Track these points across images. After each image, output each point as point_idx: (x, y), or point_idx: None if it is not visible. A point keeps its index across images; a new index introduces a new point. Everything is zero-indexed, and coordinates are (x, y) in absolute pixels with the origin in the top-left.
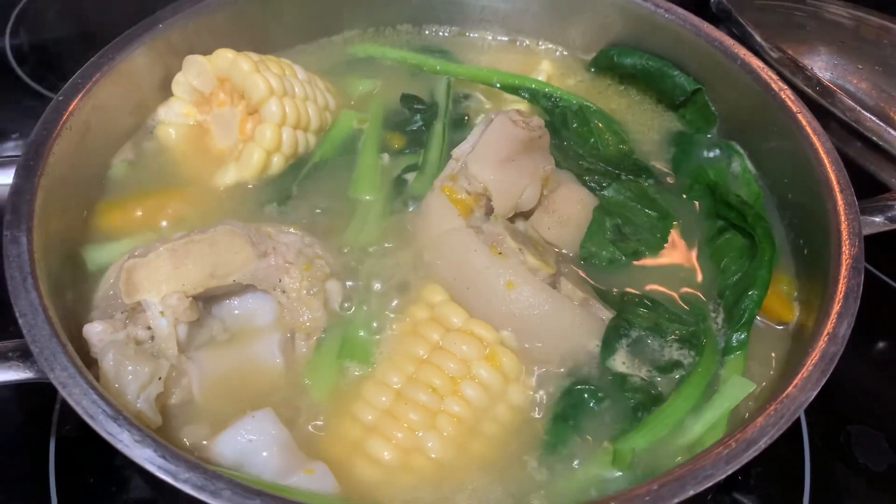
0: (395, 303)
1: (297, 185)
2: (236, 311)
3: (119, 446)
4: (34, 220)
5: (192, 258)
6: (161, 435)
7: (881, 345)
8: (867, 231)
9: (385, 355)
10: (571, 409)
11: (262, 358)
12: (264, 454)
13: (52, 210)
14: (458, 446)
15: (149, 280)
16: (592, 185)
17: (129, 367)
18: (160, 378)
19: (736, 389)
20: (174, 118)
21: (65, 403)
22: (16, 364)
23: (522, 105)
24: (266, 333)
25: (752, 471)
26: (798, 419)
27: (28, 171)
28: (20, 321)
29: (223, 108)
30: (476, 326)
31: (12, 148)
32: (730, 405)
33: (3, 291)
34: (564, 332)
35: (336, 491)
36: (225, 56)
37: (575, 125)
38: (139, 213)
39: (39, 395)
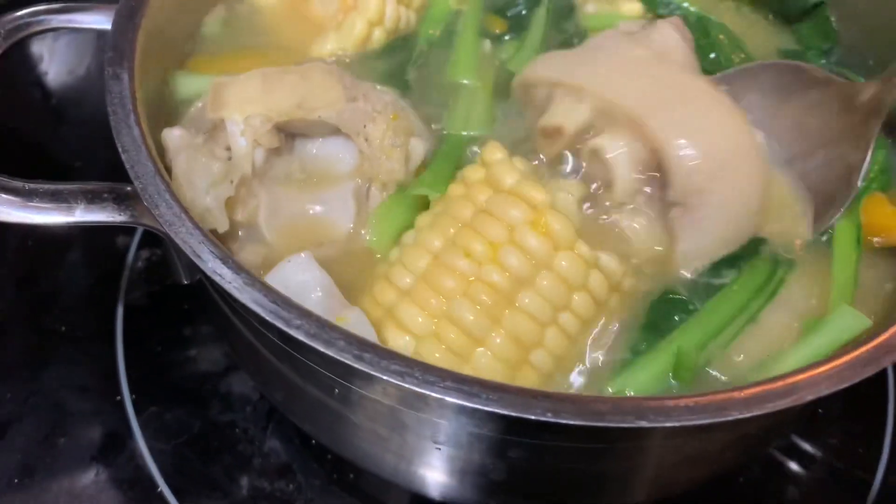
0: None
1: (396, 63)
2: (316, 153)
3: (227, 287)
4: (136, 60)
5: (283, 85)
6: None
7: None
8: None
9: (431, 217)
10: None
11: (333, 201)
12: (312, 296)
13: (147, 59)
14: (493, 319)
15: (236, 98)
16: None
17: (203, 160)
18: (232, 182)
19: (846, 321)
20: None
21: (133, 270)
22: (111, 205)
23: (634, 5)
24: (342, 180)
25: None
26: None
27: (129, 11)
28: (123, 157)
29: None
30: (528, 188)
31: None
32: (835, 340)
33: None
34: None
35: (374, 338)
36: None
37: (696, 36)
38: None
39: (108, 258)
